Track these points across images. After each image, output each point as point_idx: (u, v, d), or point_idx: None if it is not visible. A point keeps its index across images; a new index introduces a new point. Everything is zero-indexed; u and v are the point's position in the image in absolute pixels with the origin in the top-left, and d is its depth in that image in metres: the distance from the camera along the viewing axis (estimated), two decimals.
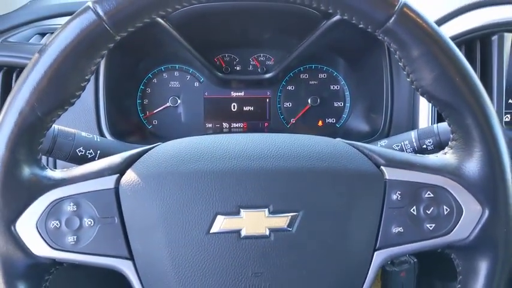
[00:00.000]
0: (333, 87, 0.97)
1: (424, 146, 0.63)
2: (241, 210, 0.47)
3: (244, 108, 0.97)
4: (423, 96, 0.49)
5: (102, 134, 0.81)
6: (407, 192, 0.48)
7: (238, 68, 0.98)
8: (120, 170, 0.49)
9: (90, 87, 0.82)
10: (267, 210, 0.47)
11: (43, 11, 0.95)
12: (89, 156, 0.65)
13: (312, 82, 0.97)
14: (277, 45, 0.95)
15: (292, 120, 0.97)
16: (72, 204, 0.48)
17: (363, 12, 0.47)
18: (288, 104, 0.97)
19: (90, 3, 0.45)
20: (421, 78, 0.48)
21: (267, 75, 0.94)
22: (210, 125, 0.97)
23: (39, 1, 0.99)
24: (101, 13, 0.44)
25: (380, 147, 0.58)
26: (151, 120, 0.96)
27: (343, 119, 0.96)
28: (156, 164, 0.49)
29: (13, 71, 0.83)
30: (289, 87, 0.97)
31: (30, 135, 0.47)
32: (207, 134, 0.89)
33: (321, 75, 0.97)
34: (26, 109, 0.45)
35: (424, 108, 0.79)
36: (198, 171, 0.48)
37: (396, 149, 0.64)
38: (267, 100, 0.97)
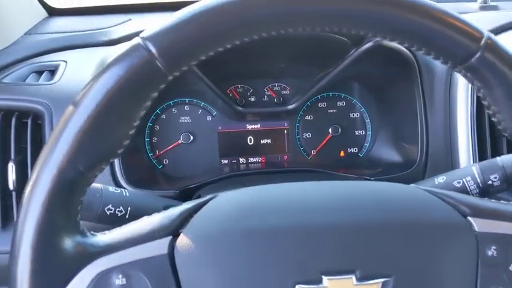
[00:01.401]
0: (353, 115, 0.93)
1: (490, 182, 0.58)
2: (324, 277, 0.40)
3: (261, 142, 0.92)
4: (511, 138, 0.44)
5: (117, 183, 0.74)
6: (503, 246, 0.43)
7: (252, 99, 0.92)
8: (173, 230, 0.42)
9: None
10: (354, 276, 0.40)
11: (38, 46, 0.87)
12: (119, 215, 0.57)
13: (331, 111, 0.92)
14: (294, 74, 0.90)
15: (313, 152, 0.92)
16: (121, 276, 0.40)
17: (444, 47, 0.43)
18: (307, 135, 0.92)
19: (139, 39, 0.39)
20: (510, 119, 0.43)
21: (288, 107, 0.88)
22: (226, 161, 0.91)
23: (33, 36, 0.90)
24: (152, 50, 0.38)
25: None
26: (162, 159, 0.89)
27: (365, 148, 0.92)
28: (216, 221, 0.42)
29: (11, 116, 0.75)
30: (308, 117, 0.92)
31: (70, 194, 0.39)
32: (228, 173, 0.82)
33: (340, 103, 0.93)
34: (65, 164, 0.38)
35: (463, 137, 0.75)
36: (268, 230, 0.41)
37: (458, 186, 0.59)
38: (285, 132, 0.92)
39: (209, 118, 0.91)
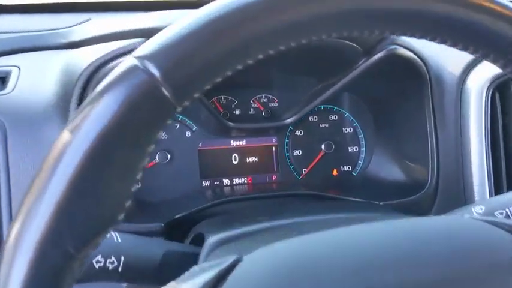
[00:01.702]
0: (345, 129, 0.85)
1: None
2: None
3: (247, 160, 0.82)
4: None
5: None
6: None
7: (237, 113, 0.82)
8: None
9: None
10: None
11: None
12: (111, 268, 0.45)
13: (323, 125, 0.84)
14: (286, 84, 0.81)
15: (305, 171, 0.83)
16: None
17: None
18: (297, 152, 0.83)
19: (135, 60, 0.28)
20: None
21: (282, 122, 0.79)
22: (208, 183, 0.80)
23: None
24: (155, 73, 0.28)
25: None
26: None
27: (359, 165, 0.84)
28: None
29: None
30: (298, 133, 0.83)
31: (56, 283, 0.27)
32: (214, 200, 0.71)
33: (332, 117, 0.85)
34: (47, 248, 0.26)
35: (476, 156, 0.70)
36: None
37: (500, 217, 0.53)
38: (274, 149, 0.83)
39: (188, 134, 0.79)
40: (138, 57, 0.28)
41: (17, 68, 0.68)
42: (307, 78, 0.78)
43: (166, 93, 0.28)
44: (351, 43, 0.66)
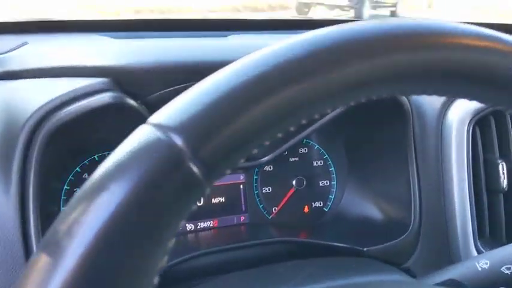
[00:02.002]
0: (316, 163, 0.79)
1: None
2: None
3: (213, 201, 0.74)
4: None
5: None
6: None
7: None
8: None
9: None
10: None
11: None
12: None
13: (292, 159, 0.78)
14: None
15: (275, 209, 0.77)
16: None
17: None
18: (267, 189, 0.77)
19: (156, 130, 0.22)
20: None
21: (257, 161, 0.72)
22: None
23: None
24: (183, 147, 0.21)
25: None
26: None
27: (330, 200, 0.79)
28: None
29: None
30: (267, 168, 0.77)
31: None
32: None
33: (301, 150, 0.79)
34: None
35: (458, 193, 0.66)
36: None
37: (508, 273, 0.49)
38: (241, 187, 0.75)
39: None
40: (160, 126, 0.22)
41: None
42: None
43: (195, 170, 0.21)
44: None
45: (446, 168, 0.67)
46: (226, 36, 0.84)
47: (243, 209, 0.75)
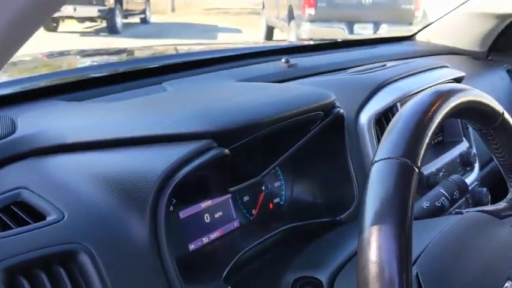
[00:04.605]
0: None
1: (454, 197, 0.87)
2: None
3: (215, 216, 0.94)
4: (502, 163, 0.74)
5: None
6: None
7: None
8: None
9: None
10: None
11: None
12: None
13: None
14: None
15: (254, 212, 1.00)
16: None
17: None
18: (246, 197, 1.00)
19: (391, 162, 0.50)
20: (505, 155, 0.73)
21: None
22: (195, 245, 0.89)
23: None
24: (409, 162, 0.51)
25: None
26: None
27: (282, 195, 1.07)
28: None
29: None
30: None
31: None
32: None
33: None
34: None
35: None
36: None
37: (438, 205, 0.86)
38: (230, 200, 0.97)
39: None
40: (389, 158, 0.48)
41: None
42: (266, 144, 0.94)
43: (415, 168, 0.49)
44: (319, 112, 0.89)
45: (366, 157, 1.02)
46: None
47: (234, 217, 0.97)
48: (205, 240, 0.91)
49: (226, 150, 0.74)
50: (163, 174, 0.66)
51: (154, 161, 0.69)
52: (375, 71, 1.24)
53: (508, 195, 0.77)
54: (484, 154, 1.34)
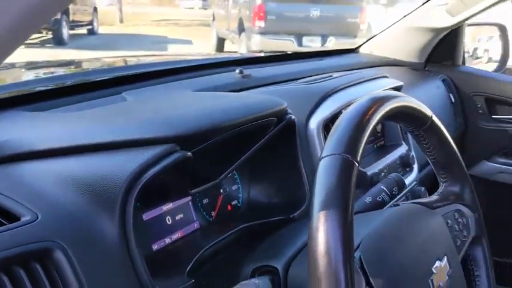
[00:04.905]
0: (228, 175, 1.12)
1: (394, 193, 0.97)
2: None
3: (176, 218, 0.99)
4: (433, 161, 0.85)
5: None
6: None
7: None
8: None
9: None
10: None
11: None
12: None
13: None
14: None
15: (213, 213, 1.07)
16: None
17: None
18: (205, 200, 1.06)
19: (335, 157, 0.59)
20: (435, 154, 0.84)
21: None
22: (157, 246, 0.94)
23: None
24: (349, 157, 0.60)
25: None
26: None
27: (239, 198, 1.14)
28: None
29: None
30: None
31: None
32: None
33: None
34: None
35: None
36: None
37: (379, 200, 0.95)
38: (190, 203, 1.03)
39: None
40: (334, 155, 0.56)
41: None
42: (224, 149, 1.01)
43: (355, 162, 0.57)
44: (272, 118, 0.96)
45: (316, 159, 1.11)
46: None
47: (194, 218, 1.03)
48: (167, 240, 0.96)
49: (189, 153, 0.80)
50: (131, 175, 0.72)
51: (122, 164, 0.74)
52: (323, 81, 1.34)
53: (439, 189, 0.87)
54: (422, 157, 1.46)
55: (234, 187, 1.13)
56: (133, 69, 1.42)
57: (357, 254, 0.65)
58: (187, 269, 0.83)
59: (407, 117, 0.76)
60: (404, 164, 1.33)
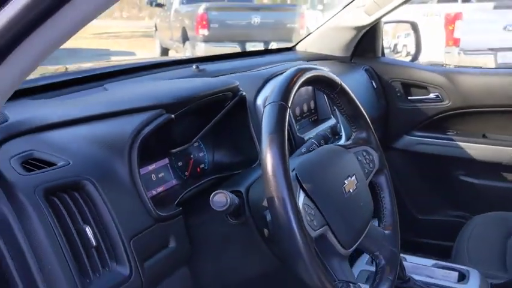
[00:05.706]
0: (195, 144, 1.42)
1: (321, 144, 1.30)
2: None
3: (159, 175, 1.28)
4: (345, 116, 1.19)
5: None
6: None
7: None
8: None
9: None
10: None
11: None
12: None
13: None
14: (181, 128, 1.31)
15: (186, 174, 1.36)
16: None
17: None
18: (180, 163, 1.35)
19: (273, 104, 0.91)
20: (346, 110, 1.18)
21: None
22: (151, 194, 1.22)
23: None
24: (283, 103, 0.93)
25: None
26: None
27: (205, 160, 1.43)
28: None
29: None
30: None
31: None
32: None
33: None
34: None
35: None
36: None
37: (311, 150, 1.27)
38: (168, 165, 1.31)
39: None
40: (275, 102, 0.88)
41: None
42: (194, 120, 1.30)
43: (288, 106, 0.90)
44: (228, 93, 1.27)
45: None
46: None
47: (173, 177, 1.32)
48: (153, 192, 1.25)
49: (173, 116, 1.10)
50: (133, 132, 1.01)
51: (125, 125, 1.03)
52: (265, 69, 1.67)
53: (351, 137, 1.21)
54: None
55: (201, 154, 1.43)
56: (108, 69, 1.69)
57: (293, 172, 0.96)
58: (175, 203, 1.12)
59: (323, 83, 1.09)
60: (334, 133, 1.67)
